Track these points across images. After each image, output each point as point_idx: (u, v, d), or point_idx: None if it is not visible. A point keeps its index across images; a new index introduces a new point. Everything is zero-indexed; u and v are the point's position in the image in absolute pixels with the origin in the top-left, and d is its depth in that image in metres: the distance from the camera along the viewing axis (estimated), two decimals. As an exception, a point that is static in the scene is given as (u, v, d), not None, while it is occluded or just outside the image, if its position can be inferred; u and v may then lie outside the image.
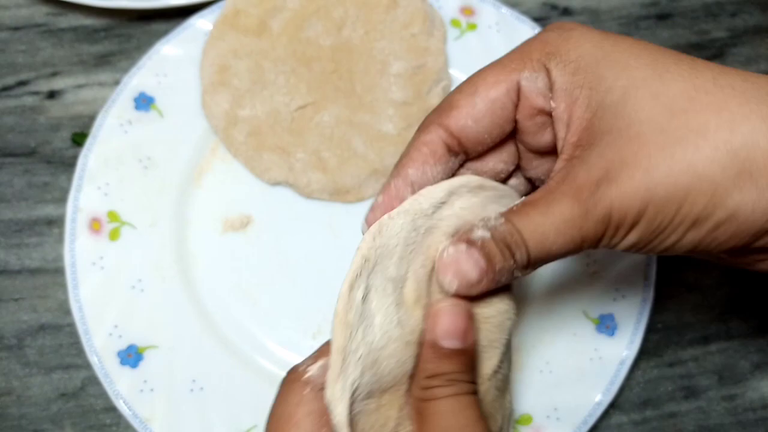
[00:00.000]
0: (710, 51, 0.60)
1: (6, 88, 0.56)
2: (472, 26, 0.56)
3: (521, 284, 0.50)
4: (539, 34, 0.33)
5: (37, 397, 0.48)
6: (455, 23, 0.57)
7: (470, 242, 0.30)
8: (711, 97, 0.29)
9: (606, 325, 0.48)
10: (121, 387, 0.45)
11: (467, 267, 0.29)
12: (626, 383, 0.49)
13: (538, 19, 0.59)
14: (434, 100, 0.54)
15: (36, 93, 0.56)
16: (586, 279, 0.50)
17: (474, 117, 0.33)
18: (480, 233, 0.30)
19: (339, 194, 0.52)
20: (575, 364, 0.48)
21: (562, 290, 0.50)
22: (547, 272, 0.50)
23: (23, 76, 0.57)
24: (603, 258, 0.50)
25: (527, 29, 0.56)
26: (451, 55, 0.56)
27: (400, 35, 0.56)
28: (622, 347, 0.47)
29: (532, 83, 0.32)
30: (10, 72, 0.57)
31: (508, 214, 0.30)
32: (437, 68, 0.55)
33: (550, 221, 0.29)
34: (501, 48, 0.55)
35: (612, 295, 0.49)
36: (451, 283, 0.30)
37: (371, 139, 0.53)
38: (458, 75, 0.56)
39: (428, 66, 0.55)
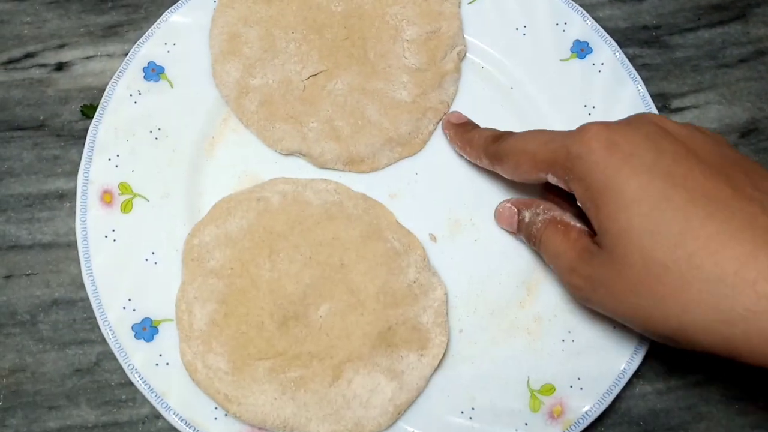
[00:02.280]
0: (732, 12, 0.58)
1: (12, 61, 0.55)
2: (488, -11, 0.55)
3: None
4: (573, 136, 0.39)
5: (51, 373, 0.48)
6: (470, -13, 0.55)
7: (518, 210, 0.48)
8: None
9: (629, 292, 0.47)
10: (136, 361, 0.45)
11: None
12: (651, 352, 0.48)
13: (555, -18, 0.57)
14: (449, 65, 0.53)
15: (43, 65, 0.55)
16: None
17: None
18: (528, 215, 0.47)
19: (353, 164, 0.51)
20: (598, 332, 0.47)
21: (584, 258, 0.48)
22: (568, 239, 0.49)
23: (30, 48, 0.56)
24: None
25: (544, -7, 0.54)
26: (465, 20, 0.54)
27: (413, 0, 0.54)
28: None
29: (555, 180, 0.41)
30: (16, 44, 0.56)
31: (542, 227, 0.45)
32: (452, 33, 0.54)
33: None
34: (516, 12, 0.53)
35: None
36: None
37: (385, 106, 0.52)
38: (474, 41, 0.54)
39: (442, 31, 0.54)
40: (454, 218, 0.50)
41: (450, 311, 0.48)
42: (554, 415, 0.44)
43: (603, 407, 0.44)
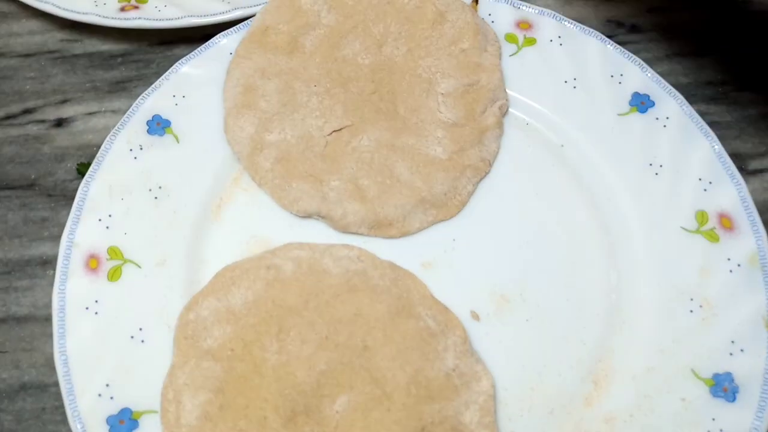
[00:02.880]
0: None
1: (9, 117, 0.51)
2: (531, 41, 0.49)
3: (610, 339, 0.40)
4: None
5: (9, 474, 0.39)
6: (511, 38, 0.50)
7: None
8: None
9: (723, 387, 0.38)
10: (109, 462, 0.36)
11: None
12: (755, 466, 0.37)
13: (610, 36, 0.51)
14: (489, 120, 0.47)
15: (42, 121, 0.50)
16: (691, 328, 0.40)
17: None
18: None
19: (380, 228, 0.44)
20: (689, 437, 0.37)
21: (663, 343, 0.40)
22: (642, 319, 0.40)
23: (30, 104, 0.51)
24: (712, 301, 0.40)
25: (595, 43, 0.48)
26: (507, 73, 0.49)
27: (448, 51, 0.49)
28: (749, 416, 0.37)
29: None
30: (15, 100, 0.51)
31: None
32: (492, 86, 0.48)
33: None
34: (564, 64, 0.48)
35: (727, 348, 0.39)
36: None
37: (417, 164, 0.45)
38: (517, 95, 0.48)
39: (482, 83, 0.48)
40: (500, 293, 0.42)
41: (498, 408, 0.39)
42: None
43: None
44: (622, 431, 0.37)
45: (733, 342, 0.39)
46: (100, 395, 0.38)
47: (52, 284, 0.44)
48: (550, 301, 0.42)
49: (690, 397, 0.38)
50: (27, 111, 0.51)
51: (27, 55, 0.53)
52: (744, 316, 0.39)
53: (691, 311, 0.40)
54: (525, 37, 0.50)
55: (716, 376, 0.38)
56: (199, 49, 0.49)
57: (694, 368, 0.38)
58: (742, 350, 0.38)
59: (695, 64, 0.52)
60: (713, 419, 0.37)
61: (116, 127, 0.45)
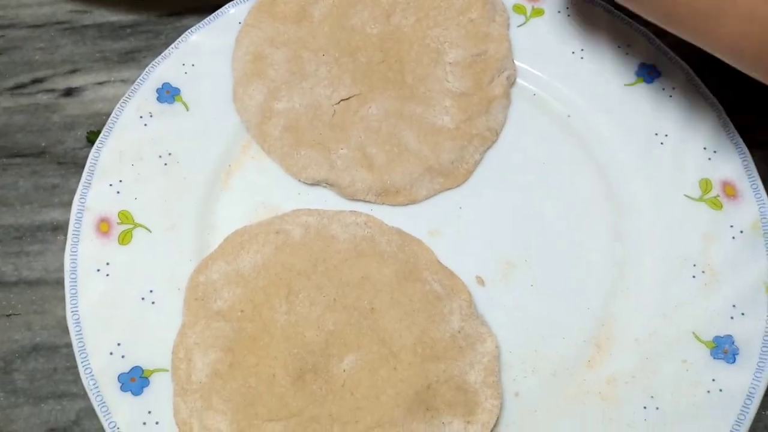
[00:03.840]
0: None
1: (19, 86, 0.51)
2: (539, 11, 0.50)
3: (613, 302, 0.41)
4: None
5: None
6: (519, 9, 0.50)
7: None
8: None
9: (723, 349, 0.38)
10: (120, 418, 0.37)
11: None
12: (753, 426, 0.38)
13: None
14: (497, 90, 0.47)
15: (52, 90, 0.51)
16: (694, 293, 0.40)
17: None
18: None
19: (387, 195, 0.44)
20: (688, 399, 0.38)
21: (665, 307, 0.40)
22: (645, 285, 0.41)
23: (39, 74, 0.52)
24: (715, 266, 0.41)
25: (603, 14, 0.49)
26: (515, 44, 0.49)
27: (457, 21, 0.49)
28: (748, 376, 0.37)
29: None
30: (25, 70, 0.52)
31: None
32: (500, 56, 0.48)
33: None
34: (572, 35, 0.48)
35: (729, 312, 0.39)
36: None
37: (425, 133, 0.46)
38: (524, 66, 0.48)
39: (489, 53, 0.48)
40: (506, 259, 0.43)
41: (503, 371, 0.39)
42: (640, 505, 0.35)
43: (704, 495, 0.35)
44: (623, 392, 0.38)
45: (734, 306, 0.39)
46: (111, 354, 0.38)
47: (62, 249, 0.44)
48: (554, 267, 0.42)
49: (691, 359, 0.38)
50: (36, 80, 0.51)
51: (36, 26, 0.54)
52: (745, 281, 0.40)
53: (694, 277, 0.41)
54: (533, 8, 0.50)
55: (717, 338, 0.39)
56: (208, 18, 0.49)
57: (696, 331, 0.39)
58: (742, 314, 0.39)
59: (702, 37, 0.52)
60: (713, 380, 0.38)
61: (126, 95, 0.46)
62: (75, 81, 0.51)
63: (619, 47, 0.48)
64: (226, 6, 0.49)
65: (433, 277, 0.41)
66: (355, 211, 0.43)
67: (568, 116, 0.47)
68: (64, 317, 0.42)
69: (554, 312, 0.41)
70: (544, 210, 0.44)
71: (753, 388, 0.37)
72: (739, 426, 0.36)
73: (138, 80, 0.47)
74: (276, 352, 0.38)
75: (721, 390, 0.37)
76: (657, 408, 0.37)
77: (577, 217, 0.44)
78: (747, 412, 0.37)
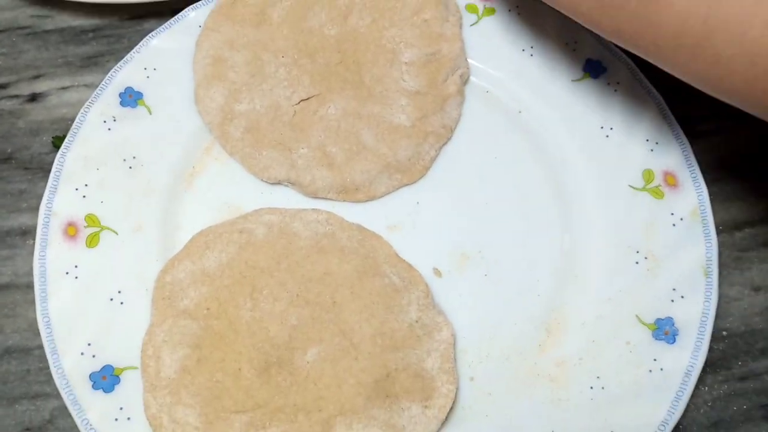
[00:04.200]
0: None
1: (-18, 93, 0.52)
2: (490, 11, 0.51)
3: (562, 291, 0.43)
4: None
5: (-2, 432, 0.41)
6: (471, 8, 0.52)
7: None
8: None
9: (664, 330, 0.41)
10: (92, 415, 0.38)
11: None
12: (692, 402, 0.41)
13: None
14: (451, 88, 0.49)
15: (16, 96, 0.51)
16: (637, 278, 0.43)
17: None
18: None
19: (347, 192, 0.46)
20: (632, 378, 0.40)
21: (610, 292, 0.43)
22: (591, 271, 0.43)
23: (3, 80, 0.52)
24: (656, 252, 0.43)
25: (550, 12, 0.50)
26: (468, 43, 0.51)
27: (411, 22, 0.51)
28: (687, 355, 0.40)
29: None
30: (-12, 76, 0.52)
31: None
32: (453, 55, 0.50)
33: None
34: (522, 33, 0.50)
35: (669, 295, 0.42)
36: None
37: (383, 131, 0.47)
38: (477, 64, 0.50)
39: (443, 53, 0.50)
40: (461, 251, 0.45)
41: (459, 356, 0.42)
42: (586, 478, 0.37)
43: (644, 466, 0.37)
44: (571, 374, 0.41)
45: (674, 289, 0.42)
46: (82, 354, 0.40)
47: (31, 253, 0.46)
48: (507, 258, 0.44)
49: (634, 341, 0.41)
50: (0, 86, 0.52)
51: (-2, 32, 0.54)
52: (685, 266, 0.42)
53: (637, 263, 0.43)
54: (485, 7, 0.52)
55: (658, 320, 0.41)
56: (168, 22, 0.50)
57: (639, 314, 0.42)
58: (682, 297, 0.42)
59: (647, 32, 0.54)
60: (654, 360, 0.40)
61: (89, 100, 0.47)
62: (39, 86, 0.52)
63: (566, 44, 0.50)
64: (186, 10, 0.50)
65: (392, 270, 0.43)
66: (316, 209, 0.45)
67: (519, 112, 0.49)
68: (35, 320, 0.43)
69: (507, 300, 0.43)
70: (497, 203, 0.46)
71: (691, 366, 0.40)
72: (677, 402, 0.39)
73: (101, 85, 0.48)
74: (241, 347, 0.40)
75: (662, 369, 0.40)
76: (603, 388, 0.40)
77: (528, 209, 0.46)
78: (685, 389, 0.39)
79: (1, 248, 0.46)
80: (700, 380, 0.41)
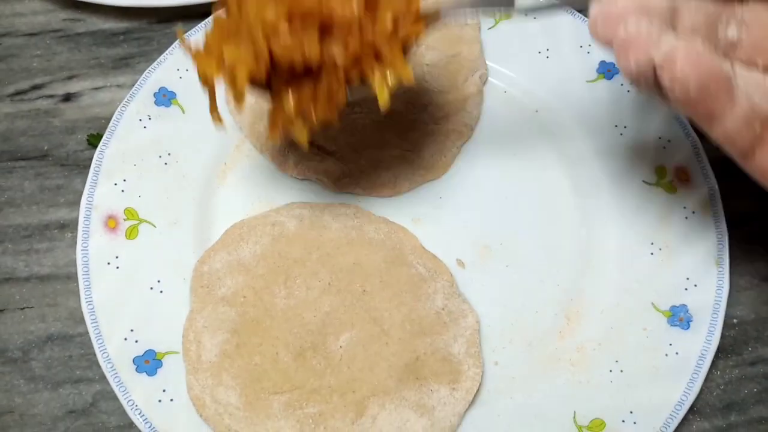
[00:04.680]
0: None
1: (19, 93, 0.54)
2: (507, 15, 0.54)
3: (580, 280, 0.45)
4: None
5: (42, 415, 0.43)
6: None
7: None
8: None
9: (679, 317, 0.43)
10: (137, 397, 0.40)
11: None
12: (705, 385, 0.43)
13: (580, 10, 0.56)
14: (471, 88, 0.51)
15: (51, 96, 0.53)
16: (652, 268, 0.45)
17: None
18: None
19: (374, 188, 0.48)
20: (648, 362, 0.42)
21: (627, 282, 0.45)
22: (609, 262, 0.45)
23: (38, 80, 0.54)
24: (670, 244, 0.45)
25: (566, 16, 0.53)
26: (486, 46, 0.53)
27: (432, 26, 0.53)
28: (700, 340, 0.42)
29: None
30: (24, 76, 0.54)
31: None
32: (473, 57, 0.52)
33: None
34: (538, 37, 0.52)
35: (683, 284, 0.44)
36: None
37: (406, 129, 0.50)
38: (495, 66, 0.52)
39: (463, 55, 0.52)
40: (483, 243, 0.47)
41: (483, 343, 0.44)
42: (607, 454, 0.39)
43: (661, 444, 0.39)
44: (591, 358, 0.43)
45: (687, 278, 0.44)
46: (125, 339, 0.42)
47: (71, 245, 0.48)
48: (527, 249, 0.47)
49: (650, 327, 0.43)
50: (36, 87, 0.54)
51: (32, 34, 0.56)
52: (697, 256, 0.44)
53: (652, 254, 0.45)
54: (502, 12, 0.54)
55: (673, 308, 0.43)
56: (199, 25, 0.52)
57: (654, 302, 0.44)
58: (695, 285, 0.44)
59: (656, 36, 0.57)
60: (670, 344, 0.42)
61: (126, 99, 0.49)
62: (72, 87, 0.54)
63: (581, 47, 0.52)
64: (216, 13, 0.52)
65: (418, 261, 0.45)
66: (344, 203, 0.47)
67: (536, 111, 0.51)
68: (76, 309, 0.46)
69: (528, 289, 0.45)
70: (516, 198, 0.48)
71: (704, 350, 0.42)
72: (692, 384, 0.41)
73: (136, 85, 0.50)
74: (278, 332, 0.42)
75: (677, 353, 0.42)
76: (621, 371, 0.42)
77: (546, 203, 0.48)
78: (699, 372, 0.41)
79: (41, 241, 0.48)
80: (713, 365, 0.43)
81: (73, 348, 0.45)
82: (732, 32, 0.31)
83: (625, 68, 0.30)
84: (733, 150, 0.31)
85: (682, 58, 0.28)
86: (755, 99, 0.29)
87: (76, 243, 0.45)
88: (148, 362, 0.41)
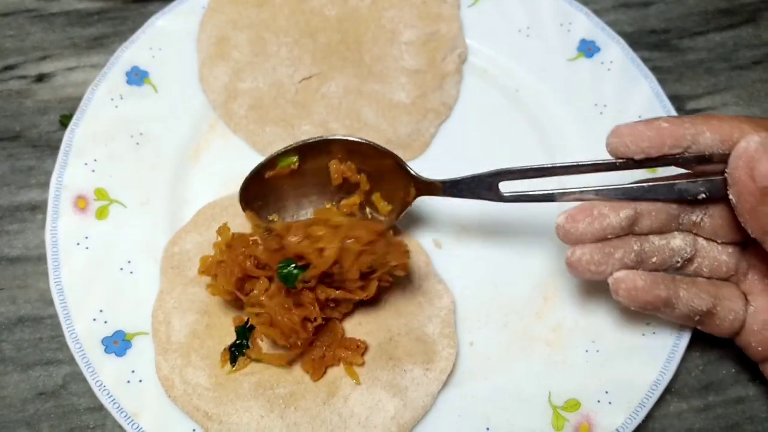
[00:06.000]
0: (742, 16, 0.56)
1: (-9, 73, 0.53)
2: (487, -8, 0.53)
3: (557, 259, 0.45)
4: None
5: (11, 397, 0.42)
6: (469, -10, 0.53)
7: None
8: None
9: (657, 296, 0.42)
10: (106, 377, 0.39)
11: None
12: (683, 366, 0.42)
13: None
14: (449, 67, 0.50)
15: (23, 77, 0.53)
16: (630, 247, 0.44)
17: None
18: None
19: (349, 167, 0.47)
20: (625, 341, 0.42)
21: (604, 261, 0.44)
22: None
23: (10, 61, 0.53)
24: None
25: (545, -4, 0.52)
26: (466, 24, 0.52)
27: (410, 3, 0.52)
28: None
29: None
30: (-4, 57, 0.53)
31: None
32: (451, 35, 0.51)
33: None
34: (519, 14, 0.51)
35: (661, 263, 0.43)
36: None
37: (383, 108, 0.49)
38: (475, 44, 0.52)
39: (442, 33, 0.51)
40: (460, 224, 0.46)
41: (459, 323, 0.43)
42: (581, 434, 0.39)
43: (636, 422, 0.39)
44: (567, 338, 0.42)
45: (665, 257, 0.43)
46: (94, 320, 0.41)
47: (41, 227, 0.47)
48: (503, 230, 0.46)
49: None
50: (8, 67, 0.53)
51: (5, 14, 0.55)
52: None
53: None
54: (482, -11, 0.53)
55: (651, 287, 0.43)
56: (173, 3, 0.51)
57: (632, 281, 0.43)
58: (673, 265, 0.43)
59: (640, 15, 0.56)
60: (647, 324, 0.42)
61: (97, 78, 0.48)
62: (46, 67, 0.53)
63: (561, 25, 0.51)
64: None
65: (393, 240, 0.44)
66: (319, 183, 0.46)
67: (516, 90, 0.50)
68: (46, 291, 0.45)
69: (505, 269, 0.45)
70: (495, 177, 0.47)
71: (682, 328, 0.41)
72: (669, 363, 0.41)
73: (108, 64, 0.49)
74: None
75: (654, 333, 0.42)
76: (597, 351, 0.42)
77: (524, 184, 0.47)
78: (677, 351, 0.41)
79: (12, 222, 0.47)
80: (692, 346, 0.42)
81: (44, 330, 0.44)
82: (696, 217, 0.38)
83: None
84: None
85: (623, 290, 0.36)
86: (694, 302, 0.37)
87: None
88: (117, 343, 0.40)
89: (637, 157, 0.36)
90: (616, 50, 0.50)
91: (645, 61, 0.51)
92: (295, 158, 0.41)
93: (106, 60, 0.52)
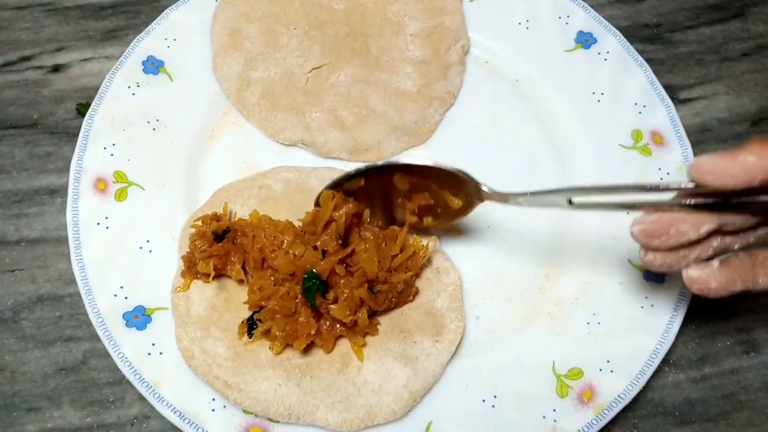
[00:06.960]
0: (731, 10, 0.59)
1: (8, 63, 0.54)
2: (489, -13, 0.55)
3: (557, 235, 0.47)
4: None
5: (32, 372, 0.44)
6: (471, -15, 0.55)
7: None
8: None
9: (654, 272, 0.44)
10: (127, 350, 0.41)
11: None
12: (680, 339, 0.44)
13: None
14: (453, 57, 0.52)
15: (40, 67, 0.54)
16: (628, 226, 0.46)
17: None
18: None
19: (358, 153, 0.49)
20: (625, 314, 0.44)
21: (604, 239, 0.46)
22: (586, 221, 0.47)
23: (27, 52, 0.55)
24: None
25: (545, -11, 0.54)
26: (468, 17, 0.54)
27: (415, -3, 0.54)
28: (675, 293, 0.44)
29: None
30: (12, 48, 0.55)
31: None
32: (455, 27, 0.53)
33: None
34: (518, 8, 0.53)
35: (658, 241, 0.45)
36: None
37: (390, 96, 0.51)
38: (477, 37, 0.54)
39: (445, 25, 0.53)
40: (465, 205, 0.48)
41: (465, 299, 0.45)
42: (584, 400, 0.41)
43: (636, 389, 0.41)
44: (569, 311, 0.44)
45: (662, 235, 0.45)
46: (115, 296, 0.42)
47: (60, 210, 0.48)
48: (508, 210, 0.48)
49: (627, 281, 0.44)
50: (24, 58, 0.55)
51: (20, 8, 0.57)
52: (671, 214, 0.46)
53: (628, 213, 0.46)
54: (483, -16, 0.55)
55: (648, 263, 0.45)
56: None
57: (630, 258, 0.45)
58: (670, 242, 0.45)
59: (633, 9, 0.58)
60: (646, 297, 0.44)
61: (114, 67, 0.50)
62: (61, 58, 0.55)
63: (559, 17, 0.54)
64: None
65: (402, 221, 0.46)
66: (330, 167, 0.48)
67: (517, 80, 0.53)
68: (66, 270, 0.46)
69: (509, 248, 0.47)
70: (499, 162, 0.49)
71: (679, 301, 0.43)
72: (667, 334, 0.43)
73: (124, 54, 0.50)
74: (265, 288, 0.42)
75: (652, 305, 0.44)
76: (598, 323, 0.43)
77: (527, 167, 0.49)
78: (674, 322, 0.43)
79: (31, 206, 0.49)
80: (688, 319, 0.44)
81: (63, 308, 0.45)
82: None
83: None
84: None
85: (696, 288, 0.34)
86: None
87: (65, 208, 0.45)
88: (138, 317, 0.42)
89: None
90: (612, 41, 0.52)
91: (639, 53, 0.53)
92: (361, 181, 0.42)
93: (120, 51, 0.54)
